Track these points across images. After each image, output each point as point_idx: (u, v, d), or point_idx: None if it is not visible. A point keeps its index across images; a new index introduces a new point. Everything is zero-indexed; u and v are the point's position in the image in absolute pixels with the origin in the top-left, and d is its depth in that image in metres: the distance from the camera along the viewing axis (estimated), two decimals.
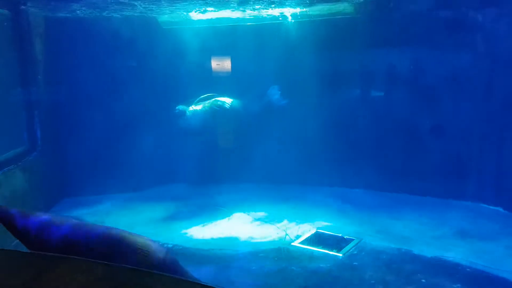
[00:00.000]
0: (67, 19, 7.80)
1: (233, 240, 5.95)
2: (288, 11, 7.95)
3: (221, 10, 7.91)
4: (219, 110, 8.36)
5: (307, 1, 7.06)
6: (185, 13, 8.25)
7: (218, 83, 8.76)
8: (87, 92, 7.72)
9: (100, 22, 7.89)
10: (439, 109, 7.32)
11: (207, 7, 7.52)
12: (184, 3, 7.17)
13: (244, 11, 7.93)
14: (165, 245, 5.20)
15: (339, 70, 7.98)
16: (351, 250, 5.37)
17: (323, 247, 5.49)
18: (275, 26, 8.29)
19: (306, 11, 7.85)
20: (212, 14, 8.28)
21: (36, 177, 6.88)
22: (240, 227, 6.42)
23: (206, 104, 8.39)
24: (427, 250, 5.31)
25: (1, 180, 6.00)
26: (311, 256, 5.27)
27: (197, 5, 7.33)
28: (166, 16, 8.51)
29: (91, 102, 7.72)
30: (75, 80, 7.67)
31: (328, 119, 8.00)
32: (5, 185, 6.06)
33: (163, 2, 7.15)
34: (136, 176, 8.12)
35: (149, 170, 8.18)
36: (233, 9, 7.76)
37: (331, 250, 5.41)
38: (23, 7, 6.71)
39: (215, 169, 8.45)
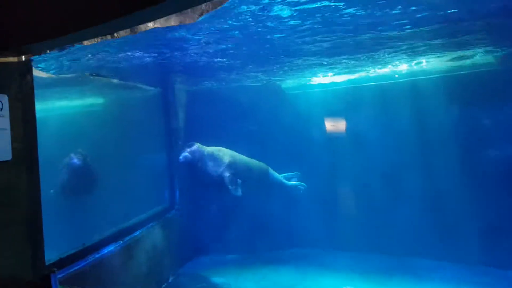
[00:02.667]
0: (201, 90, 8.81)
1: None
2: (404, 67, 7.74)
3: (345, 73, 8.08)
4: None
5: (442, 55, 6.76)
6: (308, 78, 8.62)
7: (339, 145, 8.66)
8: None
9: (229, 91, 8.71)
10: None
11: (339, 70, 7.72)
12: (312, 70, 7.52)
13: (368, 71, 7.95)
14: None
15: (479, 127, 7.26)
16: None
17: None
18: (403, 84, 8.07)
19: (423, 66, 7.54)
20: (332, 77, 8.50)
21: (173, 234, 7.43)
22: None
23: None
24: None
25: (144, 235, 6.59)
26: None
27: (323, 69, 7.60)
28: (289, 81, 9.00)
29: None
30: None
31: (471, 181, 7.17)
32: (147, 240, 6.63)
33: (284, 72, 7.63)
34: (260, 238, 8.21)
35: (274, 233, 8.21)
36: (365, 71, 7.85)
37: None
38: (175, 84, 7.84)
39: (336, 235, 8.11)
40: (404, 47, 6.16)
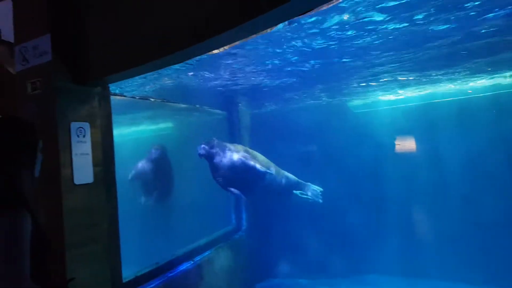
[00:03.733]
0: (266, 113, 8.93)
1: None
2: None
3: (416, 90, 7.75)
4: None
5: None
6: (377, 97, 8.38)
7: (413, 166, 8.22)
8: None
9: (294, 112, 8.71)
10: None
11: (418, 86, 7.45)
12: (381, 87, 7.32)
13: (440, 86, 7.56)
14: None
15: None
16: None
17: None
18: (483, 99, 7.54)
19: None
20: (402, 94, 8.18)
21: (241, 256, 7.45)
22: None
23: None
24: None
25: (213, 256, 6.67)
26: None
27: (394, 86, 7.36)
28: (356, 100, 8.80)
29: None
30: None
31: None
32: (216, 260, 6.71)
33: (351, 91, 7.48)
34: (335, 261, 7.96)
35: (350, 256, 7.93)
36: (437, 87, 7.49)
37: None
38: (239, 107, 8.06)
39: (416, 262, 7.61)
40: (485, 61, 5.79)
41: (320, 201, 7.60)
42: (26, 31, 2.81)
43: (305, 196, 7.66)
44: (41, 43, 2.69)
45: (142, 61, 2.43)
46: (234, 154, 6.66)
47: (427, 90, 7.92)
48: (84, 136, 2.79)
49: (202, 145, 6.61)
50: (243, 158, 6.72)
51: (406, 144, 8.50)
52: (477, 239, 7.07)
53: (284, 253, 8.07)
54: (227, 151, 6.69)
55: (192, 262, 5.75)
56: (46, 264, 1.75)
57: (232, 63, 4.96)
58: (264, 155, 7.93)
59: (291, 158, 8.30)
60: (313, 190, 7.67)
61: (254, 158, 6.91)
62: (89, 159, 2.82)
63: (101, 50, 2.72)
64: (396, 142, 8.53)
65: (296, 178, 7.71)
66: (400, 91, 7.86)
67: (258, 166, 6.79)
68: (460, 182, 7.47)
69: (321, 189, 7.70)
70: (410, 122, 8.23)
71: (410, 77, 6.53)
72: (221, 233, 7.24)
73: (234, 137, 8.12)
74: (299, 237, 8.07)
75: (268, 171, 6.93)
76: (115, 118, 3.24)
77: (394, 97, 8.31)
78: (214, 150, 6.67)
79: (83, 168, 2.77)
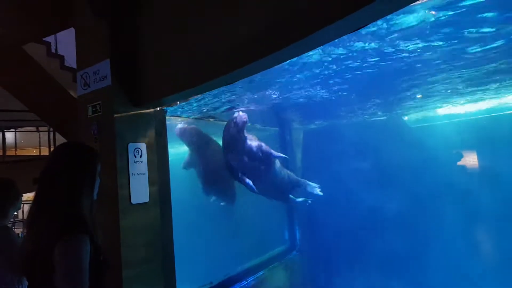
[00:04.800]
0: (317, 129, 8.81)
1: None
2: None
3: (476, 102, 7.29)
4: None
5: None
6: (433, 111, 7.99)
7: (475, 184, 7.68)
8: (336, 194, 8.05)
9: (346, 128, 8.49)
10: None
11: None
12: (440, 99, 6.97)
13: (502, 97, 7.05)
14: None
15: None
16: None
17: None
18: None
19: None
20: (461, 107, 7.73)
21: (295, 276, 7.27)
22: None
23: None
24: None
25: (266, 276, 6.56)
26: None
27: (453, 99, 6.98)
28: (413, 115, 8.44)
29: (341, 204, 7.97)
30: (324, 181, 8.15)
31: None
32: (269, 281, 6.58)
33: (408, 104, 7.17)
34: (395, 281, 7.55)
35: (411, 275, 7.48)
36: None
37: None
38: (291, 124, 8.02)
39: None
40: None
41: (320, 193, 6.98)
42: (87, 57, 2.96)
43: (302, 199, 7.19)
44: (101, 68, 2.82)
45: (196, 83, 2.45)
46: (253, 141, 6.11)
47: (489, 102, 7.41)
48: (140, 156, 2.86)
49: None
50: (262, 145, 6.22)
51: (467, 161, 7.98)
52: None
53: (340, 274, 7.75)
54: (247, 137, 6.11)
55: (245, 283, 5.69)
56: (103, 283, 1.78)
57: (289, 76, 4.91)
58: (317, 172, 7.76)
59: (346, 175, 8.07)
60: (311, 186, 7.08)
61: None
62: (145, 179, 2.88)
63: (157, 73, 2.79)
64: (459, 159, 8.05)
65: (295, 176, 7.26)
66: (459, 104, 7.43)
67: (273, 152, 6.31)
68: None
69: (319, 185, 7.11)
70: (473, 136, 7.74)
71: (475, 88, 6.16)
72: (274, 252, 7.13)
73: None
74: (357, 257, 7.73)
75: (281, 155, 6.49)
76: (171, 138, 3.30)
77: (454, 110, 7.86)
78: (240, 134, 5.95)
79: (139, 188, 2.83)
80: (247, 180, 6.06)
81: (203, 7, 2.40)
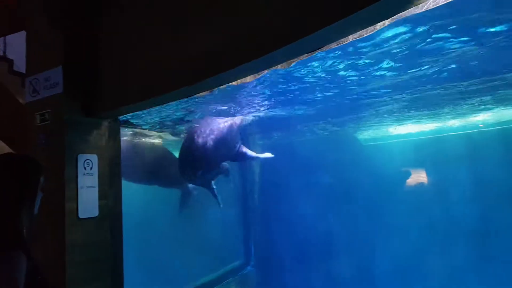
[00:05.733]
0: (274, 144, 8.90)
1: None
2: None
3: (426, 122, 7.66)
4: None
5: None
6: (383, 130, 8.31)
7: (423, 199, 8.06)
8: (296, 210, 8.13)
9: (304, 143, 8.65)
10: None
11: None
12: (391, 120, 7.26)
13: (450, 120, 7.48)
14: None
15: None
16: None
17: None
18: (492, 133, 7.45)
19: None
20: (412, 127, 8.09)
21: None
22: None
23: None
24: None
25: None
26: None
27: (403, 119, 7.30)
28: (365, 133, 8.72)
29: (301, 220, 8.05)
30: (282, 197, 8.22)
31: None
32: None
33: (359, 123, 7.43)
34: None
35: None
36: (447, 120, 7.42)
37: None
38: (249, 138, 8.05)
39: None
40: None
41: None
42: (38, 63, 2.82)
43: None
44: (53, 75, 2.69)
45: (148, 96, 2.40)
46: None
47: (438, 123, 7.84)
48: (91, 168, 2.73)
49: None
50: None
51: (416, 177, 8.35)
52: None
53: None
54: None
55: None
56: None
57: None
58: (274, 186, 7.79)
59: (301, 189, 8.18)
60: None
61: None
62: (95, 192, 2.75)
63: (111, 83, 2.70)
64: (407, 175, 8.39)
65: None
66: (410, 124, 7.79)
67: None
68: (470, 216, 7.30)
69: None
70: (422, 155, 8.12)
71: (425, 110, 6.50)
72: (229, 267, 7.05)
73: (243, 169, 8.03)
74: (312, 271, 7.79)
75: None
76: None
77: (405, 130, 8.23)
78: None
79: (88, 201, 2.70)
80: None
81: (159, 23, 2.36)
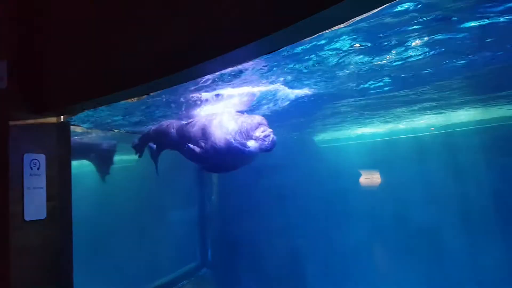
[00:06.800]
0: None
1: None
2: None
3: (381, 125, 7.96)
4: None
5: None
6: (342, 131, 8.54)
7: (376, 199, 8.37)
8: (249, 211, 8.15)
9: None
10: None
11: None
12: (346, 123, 7.48)
13: (402, 123, 7.82)
14: None
15: None
16: None
17: None
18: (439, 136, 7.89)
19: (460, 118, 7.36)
20: (367, 129, 8.38)
21: None
22: None
23: None
24: None
25: None
26: None
27: (359, 122, 7.54)
28: (322, 134, 8.93)
29: (258, 221, 8.08)
30: (239, 198, 8.22)
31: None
32: None
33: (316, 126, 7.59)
34: None
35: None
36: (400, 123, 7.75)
37: None
38: None
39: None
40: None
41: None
42: None
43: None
44: None
45: (99, 94, 2.32)
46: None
47: (391, 126, 8.18)
48: (38, 168, 2.60)
49: None
50: None
51: (370, 178, 8.66)
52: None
53: None
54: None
55: None
56: None
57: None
58: (233, 188, 7.77)
59: (259, 191, 8.22)
60: None
61: None
62: (42, 193, 2.62)
63: (61, 79, 2.59)
64: (362, 176, 8.67)
65: None
66: (365, 127, 8.07)
67: None
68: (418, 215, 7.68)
69: None
70: (375, 157, 8.44)
71: (379, 113, 6.76)
72: (184, 270, 6.95)
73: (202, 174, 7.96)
74: (268, 273, 7.85)
75: None
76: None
77: (360, 131, 8.51)
78: None
79: (35, 203, 2.56)
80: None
81: (110, 19, 2.29)
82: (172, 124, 6.35)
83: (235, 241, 7.95)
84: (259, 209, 8.16)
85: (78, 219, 3.19)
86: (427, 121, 7.67)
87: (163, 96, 5.15)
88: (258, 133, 5.24)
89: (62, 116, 2.86)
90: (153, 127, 6.84)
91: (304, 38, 1.95)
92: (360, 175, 8.77)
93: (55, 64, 2.63)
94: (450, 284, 7.12)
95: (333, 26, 1.79)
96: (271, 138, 5.26)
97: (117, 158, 9.94)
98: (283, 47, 1.93)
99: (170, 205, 7.97)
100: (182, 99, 5.56)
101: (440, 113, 6.99)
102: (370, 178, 8.63)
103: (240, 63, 2.13)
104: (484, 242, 7.03)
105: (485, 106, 6.54)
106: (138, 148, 7.06)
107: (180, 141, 6.04)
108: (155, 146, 6.83)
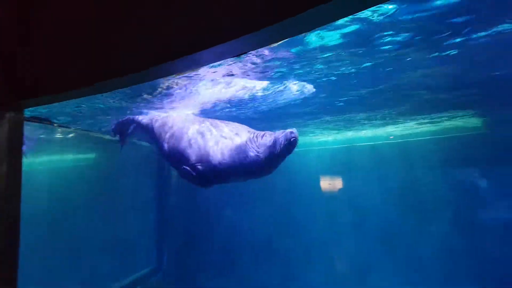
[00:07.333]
0: None
1: None
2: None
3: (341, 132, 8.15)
4: None
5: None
6: (310, 136, 8.70)
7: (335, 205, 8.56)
8: (212, 214, 8.08)
9: None
10: None
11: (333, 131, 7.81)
12: (310, 128, 7.60)
13: (361, 130, 8.06)
14: None
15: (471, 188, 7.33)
16: None
17: None
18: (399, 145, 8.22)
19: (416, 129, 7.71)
20: (328, 136, 8.55)
21: None
22: None
23: None
24: None
25: None
26: None
27: (322, 129, 7.69)
28: None
29: (218, 223, 8.02)
30: (198, 200, 8.12)
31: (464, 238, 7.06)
32: None
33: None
34: None
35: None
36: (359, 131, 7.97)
37: None
38: None
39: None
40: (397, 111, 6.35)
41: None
42: None
43: None
44: None
45: (62, 89, 2.22)
46: None
47: (351, 133, 8.41)
48: None
49: None
50: None
51: (330, 184, 8.84)
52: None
53: None
54: None
55: None
56: None
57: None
58: (194, 192, 7.67)
59: (216, 195, 8.16)
60: None
61: None
62: None
63: (18, 73, 2.45)
64: (322, 182, 8.84)
65: None
66: (327, 134, 8.25)
67: None
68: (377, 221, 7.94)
69: None
70: (335, 163, 8.63)
71: (339, 120, 6.94)
72: (137, 275, 6.73)
73: (162, 173, 7.80)
74: (229, 278, 7.78)
75: None
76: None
77: (322, 138, 8.68)
78: None
79: None
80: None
81: (109, 16, 2.22)
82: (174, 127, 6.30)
83: (192, 244, 7.85)
84: (219, 212, 8.12)
85: (27, 221, 3.02)
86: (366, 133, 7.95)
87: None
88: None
89: (15, 110, 2.71)
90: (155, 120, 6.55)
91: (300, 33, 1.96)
92: (322, 181, 8.93)
93: (10, 58, 2.49)
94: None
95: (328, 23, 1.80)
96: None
97: (70, 157, 9.55)
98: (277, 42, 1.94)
99: (124, 208, 7.69)
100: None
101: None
102: (331, 184, 8.82)
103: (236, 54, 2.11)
104: (433, 240, 7.41)
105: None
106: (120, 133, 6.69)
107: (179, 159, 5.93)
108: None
